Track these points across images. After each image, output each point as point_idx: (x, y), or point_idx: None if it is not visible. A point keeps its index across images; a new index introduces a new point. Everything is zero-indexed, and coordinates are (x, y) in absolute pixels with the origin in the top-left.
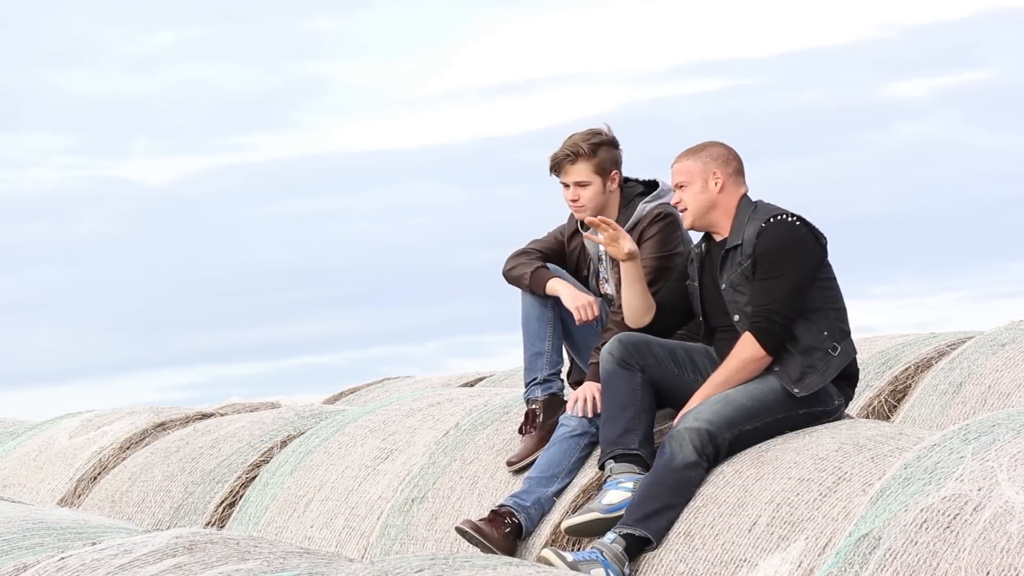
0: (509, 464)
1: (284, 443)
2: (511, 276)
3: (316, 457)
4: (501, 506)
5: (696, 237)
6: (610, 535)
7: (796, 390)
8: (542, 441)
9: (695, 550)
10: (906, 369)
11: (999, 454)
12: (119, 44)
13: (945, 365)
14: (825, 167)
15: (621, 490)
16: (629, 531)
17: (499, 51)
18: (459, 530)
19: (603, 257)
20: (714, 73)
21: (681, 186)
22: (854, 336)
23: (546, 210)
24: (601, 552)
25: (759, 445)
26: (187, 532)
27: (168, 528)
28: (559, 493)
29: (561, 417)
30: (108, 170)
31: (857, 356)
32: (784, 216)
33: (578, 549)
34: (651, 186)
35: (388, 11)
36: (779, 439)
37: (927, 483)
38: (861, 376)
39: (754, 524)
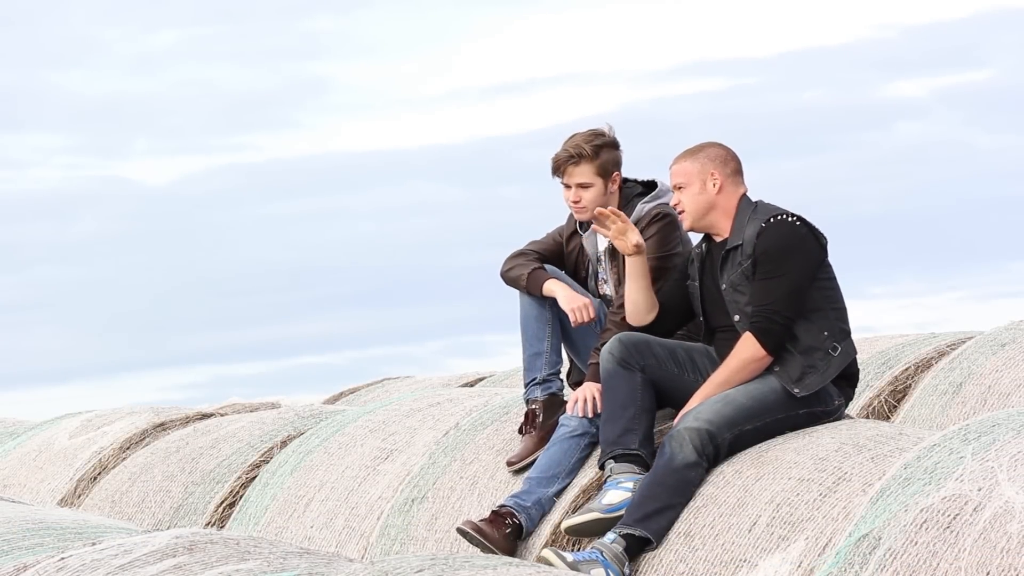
0: (509, 464)
1: (284, 443)
2: (509, 277)
3: (316, 457)
4: (501, 506)
5: (695, 237)
6: (610, 535)
7: (796, 390)
8: (542, 441)
9: (695, 550)
10: (906, 369)
11: (999, 454)
12: (120, 44)
13: (945, 365)
14: (825, 167)
15: (621, 490)
16: (629, 531)
17: (500, 51)
18: (460, 530)
19: (601, 258)
20: (714, 73)
21: (679, 187)
22: (854, 336)
23: (547, 210)
24: (601, 552)
25: (759, 445)
26: (187, 532)
27: (168, 528)
28: (559, 493)
29: (561, 417)
30: (109, 170)
31: (857, 356)
32: (784, 216)
33: (578, 549)
34: (649, 186)
35: (389, 11)
36: (779, 439)
37: (927, 483)
38: (861, 376)
39: (754, 524)
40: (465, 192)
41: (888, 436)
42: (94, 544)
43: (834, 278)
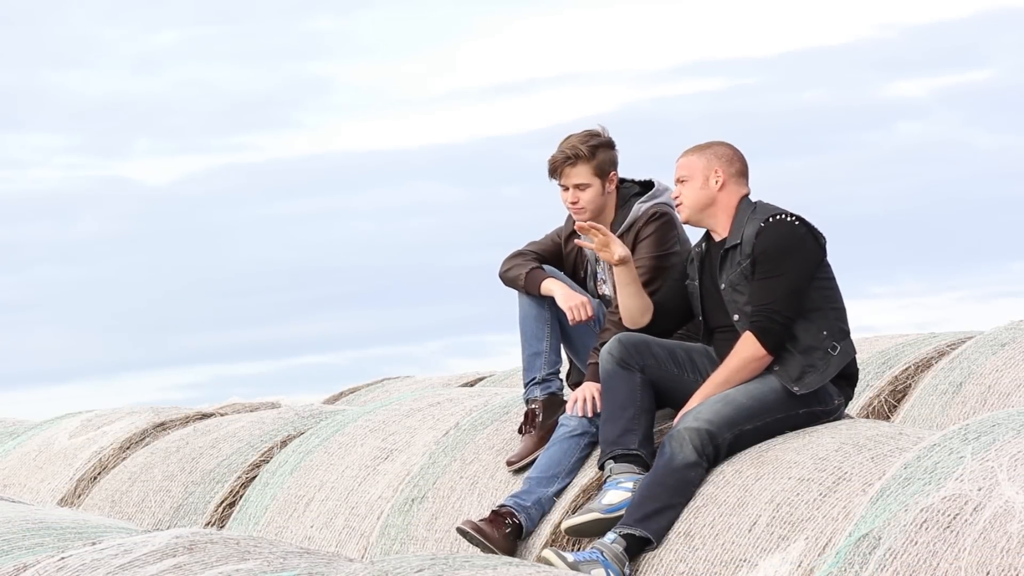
0: (509, 464)
1: (284, 443)
2: (507, 278)
3: (316, 457)
4: (501, 506)
5: (693, 236)
6: (610, 535)
7: (796, 388)
8: (542, 441)
9: (695, 550)
10: (906, 369)
11: (999, 454)
12: (121, 44)
13: (945, 365)
14: (826, 167)
15: (621, 490)
16: (629, 531)
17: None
18: (460, 530)
19: (600, 258)
20: (715, 73)
21: (682, 181)
22: (854, 336)
23: (547, 210)
24: (601, 552)
25: (759, 445)
26: (187, 532)
27: (168, 528)
28: (559, 493)
29: (561, 417)
30: (109, 170)
31: (857, 356)
32: (783, 216)
33: (578, 549)
34: (647, 186)
35: (389, 11)
36: (779, 439)
37: (927, 483)
38: (861, 376)
39: (754, 524)
40: (466, 192)
41: (888, 436)
42: (94, 544)
43: (833, 278)
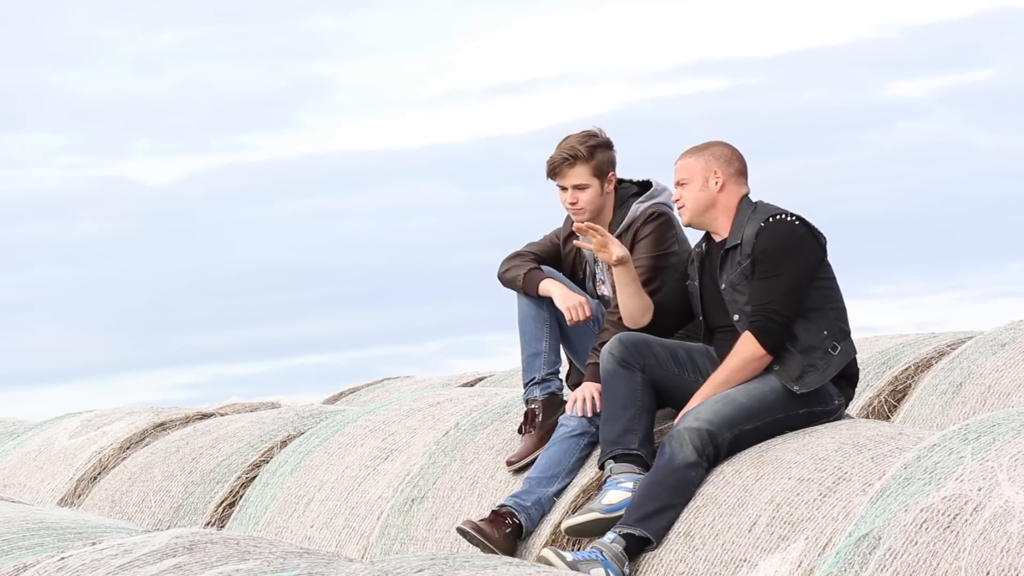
0: (509, 464)
1: (284, 443)
2: (505, 279)
3: (316, 457)
4: (501, 506)
5: (692, 236)
6: (610, 535)
7: (796, 387)
8: (542, 441)
9: (695, 550)
10: (906, 369)
11: (999, 454)
12: (121, 44)
13: (945, 365)
14: (826, 167)
15: (621, 490)
16: (629, 531)
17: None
18: (460, 530)
19: (599, 259)
20: (715, 73)
21: (682, 183)
22: (854, 336)
23: (547, 210)
24: (601, 552)
25: (759, 445)
26: (187, 532)
27: (168, 528)
28: (559, 493)
29: (561, 417)
30: (110, 170)
31: (857, 356)
32: (783, 216)
33: (578, 549)
34: (645, 186)
35: (390, 11)
36: (779, 439)
37: (927, 483)
38: (861, 376)
39: (754, 524)
40: (466, 192)
41: (888, 436)
42: (94, 544)
43: (833, 278)
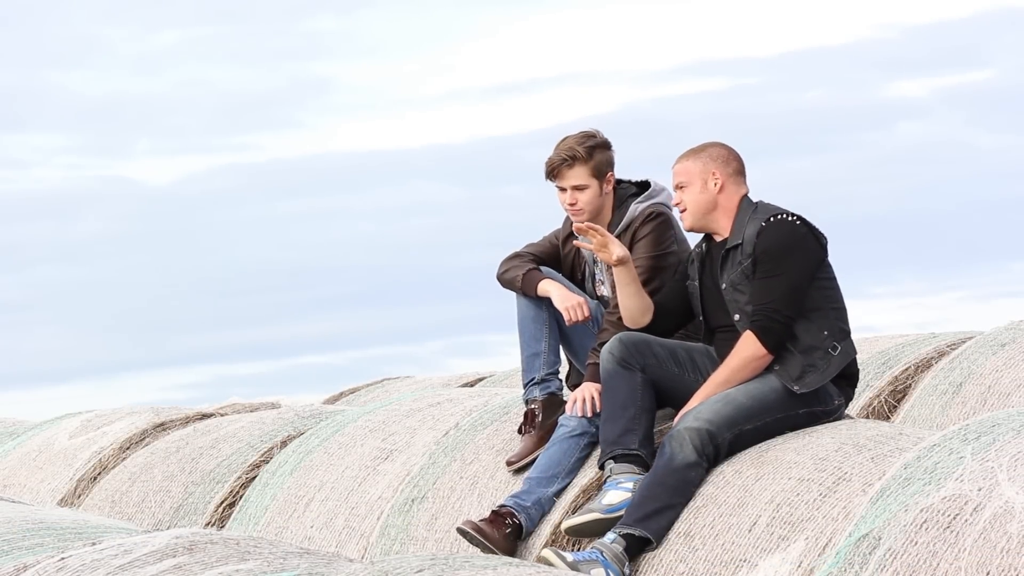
0: (509, 464)
1: (284, 443)
2: (504, 279)
3: (316, 457)
4: (501, 506)
5: (692, 236)
6: (610, 535)
7: (796, 387)
8: (542, 441)
9: (695, 550)
10: (906, 369)
11: (999, 454)
12: (122, 44)
13: (945, 365)
14: (827, 167)
15: (621, 490)
16: (629, 531)
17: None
18: (460, 530)
19: (598, 259)
20: (716, 73)
21: (681, 187)
22: (854, 336)
23: (547, 210)
24: (601, 552)
25: (759, 445)
26: (187, 532)
27: (168, 528)
28: (559, 493)
29: (561, 417)
30: (110, 170)
31: (857, 356)
32: (784, 215)
33: (578, 549)
34: (643, 187)
35: (390, 11)
36: (779, 439)
37: (927, 483)
38: (861, 376)
39: (754, 524)
40: (466, 192)
41: (888, 436)
42: (94, 544)
43: (834, 278)
